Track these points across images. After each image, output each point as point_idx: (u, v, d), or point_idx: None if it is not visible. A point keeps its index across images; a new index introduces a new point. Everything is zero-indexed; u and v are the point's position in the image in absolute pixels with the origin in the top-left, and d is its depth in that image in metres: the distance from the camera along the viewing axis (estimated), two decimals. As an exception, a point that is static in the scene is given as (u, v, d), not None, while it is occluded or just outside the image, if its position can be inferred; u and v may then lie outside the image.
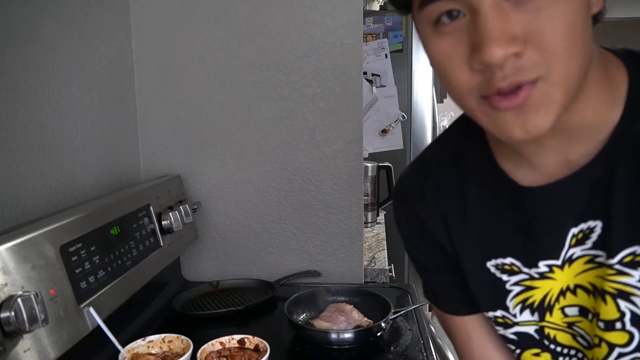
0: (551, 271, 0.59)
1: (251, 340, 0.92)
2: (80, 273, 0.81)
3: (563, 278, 0.59)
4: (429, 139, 2.35)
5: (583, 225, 0.56)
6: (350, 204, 1.36)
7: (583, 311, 0.58)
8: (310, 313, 1.14)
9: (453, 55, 0.48)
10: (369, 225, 2.06)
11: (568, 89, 0.47)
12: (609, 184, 0.53)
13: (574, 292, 0.59)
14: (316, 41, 1.29)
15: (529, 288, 0.61)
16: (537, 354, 0.63)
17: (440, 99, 2.73)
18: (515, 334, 0.64)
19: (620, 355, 0.54)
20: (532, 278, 0.61)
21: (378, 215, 2.16)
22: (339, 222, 1.37)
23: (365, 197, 2.00)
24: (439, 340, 1.30)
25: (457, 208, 0.65)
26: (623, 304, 0.53)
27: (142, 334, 0.90)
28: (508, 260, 0.62)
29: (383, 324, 1.03)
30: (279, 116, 1.33)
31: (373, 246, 1.77)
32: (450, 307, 0.72)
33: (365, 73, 2.24)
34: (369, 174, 2.05)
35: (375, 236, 1.90)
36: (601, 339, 0.56)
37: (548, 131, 0.48)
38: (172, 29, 1.31)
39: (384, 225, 2.10)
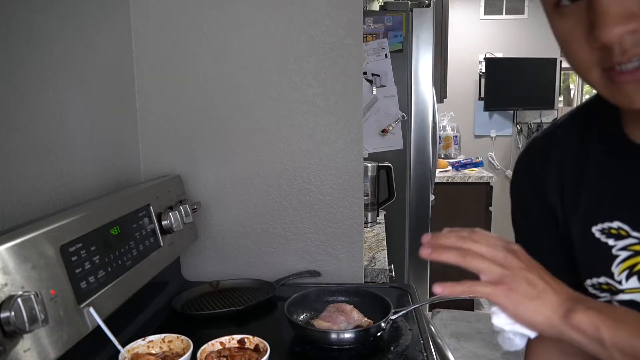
0: None
1: (251, 340, 0.92)
2: (80, 273, 0.81)
3: None
4: (429, 139, 2.34)
5: None
6: (350, 204, 1.36)
7: None
8: (310, 313, 1.14)
9: (574, 35, 0.51)
10: (369, 225, 2.06)
11: None
12: None
13: None
14: (316, 41, 1.29)
15: (638, 253, 0.59)
16: None
17: (440, 99, 2.73)
18: (620, 301, 0.62)
19: None
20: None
21: (378, 215, 2.16)
22: (339, 222, 1.37)
23: (365, 197, 2.00)
24: (439, 340, 1.30)
25: (576, 167, 0.66)
26: None
27: (142, 334, 0.90)
28: (615, 224, 0.61)
29: (383, 324, 1.03)
30: (279, 116, 1.33)
31: (373, 246, 1.77)
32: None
33: (365, 73, 2.24)
34: (369, 174, 2.05)
35: (375, 236, 1.90)
36: None
37: None
38: (172, 28, 1.31)
39: (384, 225, 2.10)
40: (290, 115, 1.33)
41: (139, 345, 0.88)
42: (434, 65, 2.32)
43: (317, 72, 1.30)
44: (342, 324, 1.05)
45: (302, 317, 1.12)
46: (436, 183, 2.71)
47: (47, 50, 0.95)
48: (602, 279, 0.63)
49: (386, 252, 1.69)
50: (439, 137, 3.97)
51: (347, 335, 0.99)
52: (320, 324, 1.06)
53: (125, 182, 1.25)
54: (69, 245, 0.79)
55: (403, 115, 2.30)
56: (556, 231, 0.68)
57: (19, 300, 0.63)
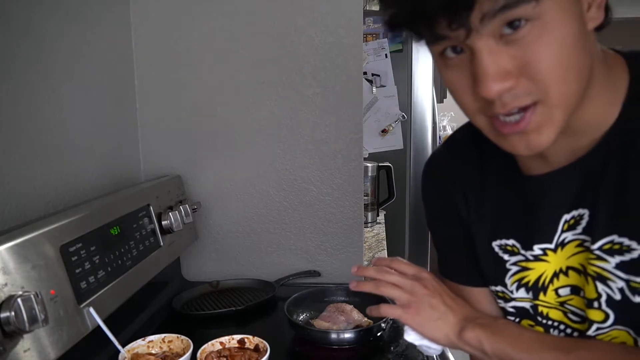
0: (545, 254, 0.65)
1: (251, 340, 0.92)
2: (80, 273, 0.81)
3: (556, 261, 0.64)
4: (429, 139, 2.34)
5: (574, 212, 0.61)
6: (350, 204, 1.36)
7: (574, 289, 0.64)
8: (310, 313, 1.14)
9: (459, 84, 0.55)
10: (369, 225, 2.06)
11: (567, 108, 0.53)
12: (599, 176, 0.58)
13: (566, 274, 0.64)
14: (316, 41, 1.29)
15: (525, 269, 0.67)
16: (532, 325, 0.69)
17: (440, 99, 2.73)
18: (513, 307, 0.70)
19: (599, 329, 0.60)
20: (527, 260, 0.67)
21: (378, 215, 2.16)
22: (339, 222, 1.37)
23: (365, 197, 2.00)
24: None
25: (476, 187, 0.72)
26: (600, 287, 0.59)
27: (142, 334, 0.90)
28: (510, 241, 0.68)
29: (383, 324, 1.03)
30: (279, 116, 1.33)
31: (373, 246, 1.77)
32: (462, 278, 0.77)
33: (365, 73, 2.24)
34: (369, 174, 2.05)
35: (375, 236, 1.90)
36: (584, 314, 0.62)
37: (548, 145, 0.54)
38: (172, 29, 1.31)
39: (384, 225, 2.10)
40: (290, 115, 1.33)
41: (139, 345, 0.88)
42: (434, 65, 2.32)
43: (317, 72, 1.30)
44: (342, 324, 1.05)
45: (302, 317, 1.12)
46: (436, 183, 2.71)
47: (47, 50, 0.95)
48: (499, 288, 0.71)
49: (386, 252, 1.69)
50: (439, 137, 3.97)
51: (347, 335, 1.00)
52: (320, 324, 1.06)
53: (125, 182, 1.25)
54: (69, 245, 0.79)
55: (403, 115, 2.30)
56: (467, 238, 0.74)
57: (19, 300, 0.63)
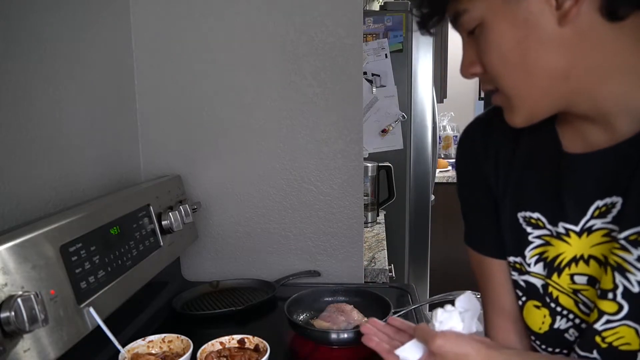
0: (567, 235, 0.65)
1: (251, 340, 0.92)
2: (80, 273, 0.81)
3: (578, 245, 0.64)
4: (429, 139, 2.34)
5: (608, 200, 0.61)
6: (350, 204, 1.36)
7: (591, 281, 0.64)
8: (310, 313, 1.14)
9: None
10: (369, 225, 2.06)
11: (525, 99, 0.61)
12: (637, 163, 0.58)
13: (587, 262, 0.64)
14: (316, 41, 1.29)
15: (547, 243, 0.68)
16: (537, 307, 0.70)
17: (440, 99, 2.73)
18: (525, 282, 0.71)
19: (608, 321, 0.60)
20: (551, 235, 0.67)
21: (378, 215, 2.16)
22: (339, 222, 1.37)
23: (365, 197, 2.00)
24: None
25: (508, 158, 0.73)
26: (618, 278, 0.59)
27: (142, 334, 0.90)
28: (536, 215, 0.69)
29: (383, 324, 1.03)
30: (279, 116, 1.33)
31: (373, 246, 1.77)
32: (484, 247, 0.78)
33: (365, 73, 2.24)
34: (369, 174, 2.05)
35: (375, 236, 1.90)
36: (595, 305, 0.62)
37: (527, 125, 0.64)
38: (172, 29, 1.31)
39: (384, 225, 2.10)
40: (290, 115, 1.33)
41: (139, 345, 0.88)
42: (434, 65, 2.32)
43: (317, 72, 1.30)
44: (342, 324, 1.04)
45: (302, 317, 1.12)
46: (436, 183, 2.71)
47: (46, 50, 0.95)
48: (518, 259, 0.72)
49: (386, 252, 1.69)
50: (439, 137, 3.96)
51: (347, 335, 0.99)
52: (320, 324, 1.06)
53: (125, 182, 1.25)
54: (69, 245, 0.79)
55: (403, 115, 2.30)
56: (493, 208, 0.76)
57: (19, 300, 0.63)
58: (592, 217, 0.62)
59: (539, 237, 0.69)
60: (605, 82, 0.58)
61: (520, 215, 0.71)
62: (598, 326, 0.61)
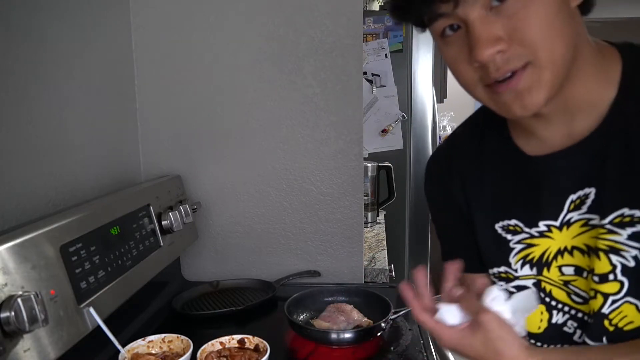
0: (549, 231, 0.68)
1: (251, 340, 0.92)
2: (80, 273, 0.81)
3: (561, 239, 0.67)
4: (429, 139, 2.35)
5: (580, 192, 0.65)
6: (350, 204, 1.36)
7: (578, 270, 0.67)
8: (310, 313, 1.14)
9: (458, 58, 0.61)
10: (369, 225, 2.06)
11: (555, 70, 0.58)
12: (604, 155, 0.62)
13: (570, 253, 0.67)
14: (316, 41, 1.29)
15: (530, 245, 0.70)
16: None
17: (440, 99, 2.73)
18: (515, 287, 0.72)
19: (613, 302, 0.63)
20: (532, 236, 0.70)
21: (378, 215, 2.16)
22: (339, 222, 1.37)
23: (365, 197, 2.00)
24: (439, 340, 1.30)
25: (475, 174, 0.76)
26: (614, 258, 0.62)
27: (142, 334, 0.90)
28: (512, 221, 0.71)
29: (383, 324, 1.03)
30: (279, 116, 1.33)
31: (373, 246, 1.77)
32: (463, 264, 0.77)
33: (365, 73, 2.24)
34: (369, 174, 2.05)
35: (375, 236, 1.90)
36: (597, 292, 0.64)
37: (543, 106, 0.60)
38: (172, 29, 1.31)
39: (384, 225, 2.10)
40: (290, 115, 1.33)
41: (139, 345, 0.88)
42: (434, 65, 2.32)
43: (317, 72, 1.30)
44: (342, 324, 1.05)
45: (302, 317, 1.12)
46: (436, 183, 2.71)
47: (46, 50, 0.95)
48: (502, 269, 0.73)
49: (386, 252, 1.69)
50: (439, 137, 3.96)
51: (347, 335, 0.99)
52: (320, 324, 1.06)
53: (125, 182, 1.25)
54: (69, 245, 0.79)
55: (403, 115, 2.30)
56: (467, 227, 0.78)
57: (19, 300, 0.63)
58: (568, 211, 0.66)
59: (519, 242, 0.71)
60: (581, 75, 0.61)
61: (497, 226, 0.73)
62: (605, 309, 0.63)
